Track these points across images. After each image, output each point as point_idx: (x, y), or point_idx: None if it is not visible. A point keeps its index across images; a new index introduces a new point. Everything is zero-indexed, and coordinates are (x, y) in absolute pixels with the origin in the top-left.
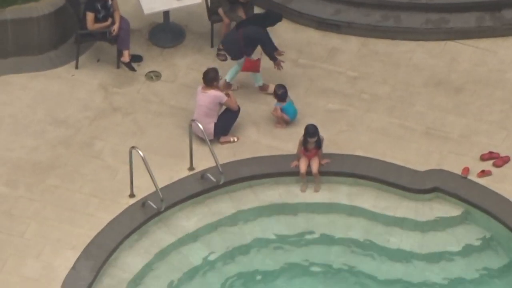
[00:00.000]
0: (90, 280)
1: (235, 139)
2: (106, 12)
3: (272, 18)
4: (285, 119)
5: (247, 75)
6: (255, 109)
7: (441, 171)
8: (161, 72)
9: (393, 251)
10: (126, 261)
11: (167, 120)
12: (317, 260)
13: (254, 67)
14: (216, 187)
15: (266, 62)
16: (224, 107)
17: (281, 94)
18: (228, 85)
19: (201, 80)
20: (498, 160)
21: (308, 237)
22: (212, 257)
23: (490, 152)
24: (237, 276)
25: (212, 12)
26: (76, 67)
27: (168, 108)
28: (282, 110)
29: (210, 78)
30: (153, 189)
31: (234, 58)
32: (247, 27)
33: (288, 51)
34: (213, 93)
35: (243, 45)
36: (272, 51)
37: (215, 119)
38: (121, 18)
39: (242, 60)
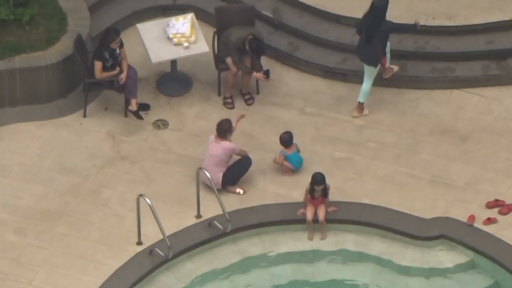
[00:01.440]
0: None
1: (241, 192)
2: (114, 61)
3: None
4: (289, 168)
5: (255, 122)
6: (262, 157)
7: (447, 219)
8: (169, 120)
9: None
10: None
11: (174, 168)
12: None
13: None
14: (223, 234)
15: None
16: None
17: (283, 138)
18: (360, 108)
19: (208, 128)
20: (504, 207)
21: (315, 284)
22: None
23: (496, 200)
24: None
25: (219, 61)
26: (84, 116)
27: (175, 156)
28: (285, 158)
29: (224, 130)
30: (160, 237)
31: (374, 64)
32: (373, 29)
33: (295, 99)
34: (226, 144)
35: (380, 49)
36: (408, 28)
37: (224, 169)
38: (129, 67)
39: (376, 69)
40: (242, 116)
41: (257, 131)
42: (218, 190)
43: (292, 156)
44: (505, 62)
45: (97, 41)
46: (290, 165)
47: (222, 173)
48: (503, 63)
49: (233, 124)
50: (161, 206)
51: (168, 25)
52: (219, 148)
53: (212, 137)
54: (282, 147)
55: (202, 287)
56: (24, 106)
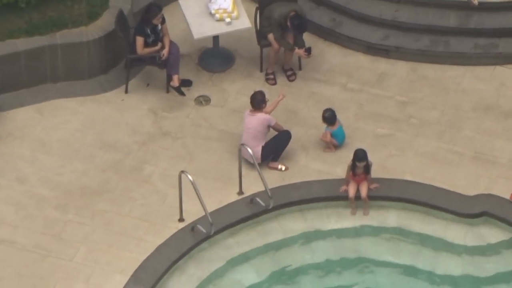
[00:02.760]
0: None
1: (283, 168)
2: (156, 36)
3: None
4: (334, 144)
5: (297, 98)
6: (304, 133)
7: (490, 196)
8: (211, 96)
9: (442, 276)
10: (176, 286)
11: (216, 144)
12: (366, 284)
13: None
14: (265, 211)
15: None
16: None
17: (327, 116)
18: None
19: (250, 105)
20: None
21: (357, 260)
22: (262, 281)
23: None
24: None
25: (261, 37)
26: (126, 92)
27: (217, 133)
28: (332, 135)
29: (258, 101)
30: (202, 213)
31: None
32: None
33: (337, 75)
34: (262, 116)
35: None
36: None
37: (262, 143)
38: (171, 42)
39: None
40: (283, 96)
41: (299, 107)
42: (259, 165)
43: (337, 131)
44: None
45: (138, 16)
46: (336, 141)
47: (261, 147)
48: None
49: (274, 104)
50: (203, 182)
51: (210, 1)
52: (255, 120)
53: (247, 111)
54: (325, 124)
55: (244, 264)
56: (65, 82)
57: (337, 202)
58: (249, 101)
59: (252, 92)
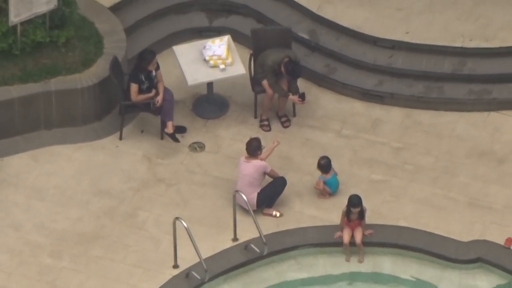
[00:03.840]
0: None
1: (278, 214)
2: (150, 83)
3: None
4: (328, 192)
5: (291, 144)
6: (299, 179)
7: (484, 242)
8: (205, 143)
9: None
10: None
11: (210, 191)
12: None
13: None
14: (260, 257)
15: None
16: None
17: (323, 164)
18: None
19: (245, 151)
20: None
21: None
22: None
23: None
24: None
25: (256, 83)
26: (120, 138)
27: (211, 179)
28: (325, 183)
29: (254, 148)
30: (197, 260)
31: None
32: None
33: (331, 122)
34: (257, 163)
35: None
36: None
37: (258, 189)
38: (165, 89)
39: None
40: (278, 143)
41: (293, 154)
42: (254, 211)
43: (330, 180)
44: None
45: (133, 63)
46: (329, 189)
47: (256, 194)
48: None
49: (269, 151)
50: (198, 229)
51: (204, 47)
52: (251, 167)
53: (243, 158)
54: (320, 172)
55: None
56: (60, 129)
57: (331, 248)
58: (243, 147)
59: (246, 139)
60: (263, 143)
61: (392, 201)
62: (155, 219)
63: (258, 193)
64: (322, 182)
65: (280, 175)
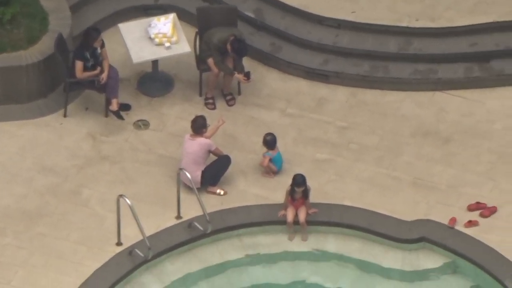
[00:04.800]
0: None
1: (222, 192)
2: (95, 60)
3: None
4: (273, 170)
5: (236, 123)
6: (243, 158)
7: (428, 221)
8: (150, 121)
9: None
10: None
11: (155, 168)
12: None
13: None
14: (203, 235)
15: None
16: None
17: (269, 140)
18: None
19: (189, 129)
20: (485, 210)
21: (295, 286)
22: None
23: (477, 203)
24: None
25: (201, 62)
26: (65, 116)
27: (156, 157)
28: (270, 160)
29: (199, 125)
30: (140, 238)
31: None
32: None
33: (277, 100)
34: (202, 140)
35: None
36: None
37: (202, 167)
38: (110, 67)
39: None
40: (223, 121)
41: (238, 132)
42: (198, 190)
43: (276, 157)
44: (488, 64)
45: (78, 40)
46: (275, 167)
47: (200, 172)
48: (485, 65)
49: (214, 129)
50: (141, 206)
51: (150, 25)
52: (195, 144)
53: (187, 135)
54: (265, 149)
55: None
56: (4, 106)
57: (275, 227)
58: (188, 125)
59: (191, 117)
60: (208, 121)
61: (337, 180)
62: (99, 196)
63: (203, 171)
64: (268, 159)
65: (225, 153)
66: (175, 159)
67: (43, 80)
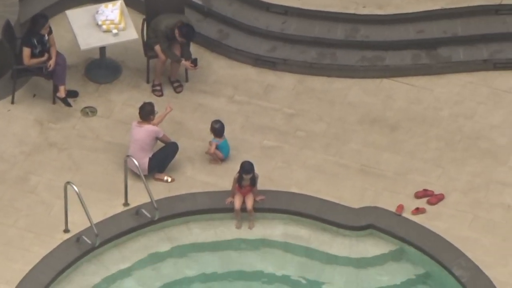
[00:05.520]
0: None
1: (169, 179)
2: (43, 47)
3: None
4: (219, 157)
5: (183, 109)
6: (190, 145)
7: (375, 209)
8: (97, 107)
9: None
10: None
11: (102, 155)
12: None
13: None
14: (151, 223)
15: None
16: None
17: (218, 128)
18: None
19: (137, 116)
20: (433, 197)
21: (242, 273)
22: None
23: (425, 190)
24: None
25: (148, 48)
26: (12, 102)
27: (103, 144)
28: (217, 147)
29: (146, 112)
30: (88, 225)
31: None
32: None
33: (224, 87)
34: (150, 127)
35: None
36: None
37: (150, 154)
38: (58, 53)
39: None
40: (171, 109)
41: (185, 119)
42: (146, 177)
43: (223, 144)
44: (435, 51)
45: (25, 27)
46: (221, 154)
47: (148, 159)
48: (433, 52)
49: (161, 117)
50: (89, 193)
51: (97, 12)
52: (143, 131)
53: (135, 122)
54: (212, 136)
55: (129, 276)
56: None
57: (223, 214)
58: (135, 112)
59: (138, 104)
60: (155, 108)
61: (284, 167)
62: (46, 183)
63: (150, 158)
64: (215, 145)
65: (172, 140)
66: (123, 146)
67: None
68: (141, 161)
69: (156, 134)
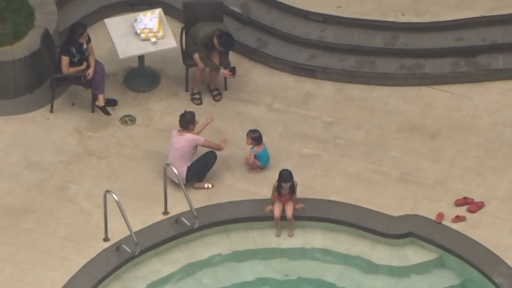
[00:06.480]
0: None
1: (210, 186)
2: (81, 56)
3: None
4: (258, 165)
5: (222, 118)
6: (230, 153)
7: (415, 217)
8: (136, 116)
9: None
10: None
11: (141, 164)
12: None
13: None
14: (190, 231)
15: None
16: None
17: (257, 136)
18: None
19: (176, 124)
20: (472, 205)
21: (282, 282)
22: None
23: (465, 198)
24: None
25: (187, 57)
26: (51, 111)
27: (142, 152)
28: (256, 157)
29: (187, 121)
30: (127, 233)
31: None
32: None
33: (263, 95)
34: (190, 136)
35: None
36: None
37: (188, 163)
38: (96, 62)
39: None
40: (211, 119)
41: (225, 127)
42: (185, 185)
43: (262, 153)
44: (474, 59)
45: (64, 36)
46: (260, 163)
47: (186, 167)
48: (472, 60)
49: (202, 127)
50: (128, 202)
51: (136, 20)
52: (183, 140)
53: (175, 131)
54: (252, 146)
55: (169, 284)
56: None
57: (262, 223)
58: (174, 120)
59: (177, 112)
60: (196, 118)
61: (323, 175)
62: (85, 192)
63: (188, 167)
64: (253, 156)
65: (217, 143)
66: (162, 154)
67: (29, 76)
68: (179, 169)
69: (197, 142)
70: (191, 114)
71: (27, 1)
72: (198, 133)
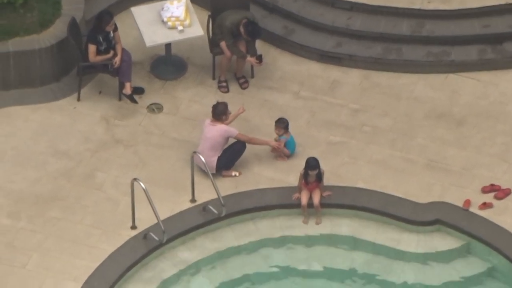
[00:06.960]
0: None
1: (237, 174)
2: (108, 44)
3: None
4: (286, 153)
5: (249, 106)
6: None
7: (442, 204)
8: (163, 104)
9: (395, 284)
10: None
11: (168, 152)
12: None
13: None
14: (218, 219)
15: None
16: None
17: (286, 126)
18: None
19: (203, 112)
20: (500, 192)
21: (310, 269)
22: None
23: (492, 185)
24: None
25: (214, 45)
26: (78, 99)
27: (169, 140)
28: (285, 144)
29: (219, 112)
30: (154, 221)
31: None
32: None
33: (290, 83)
34: (223, 127)
35: None
36: None
37: (219, 153)
38: (123, 50)
39: None
40: (243, 110)
41: (252, 115)
42: (213, 174)
43: (289, 140)
44: (501, 46)
45: (91, 24)
46: (288, 151)
47: (216, 157)
48: (498, 47)
49: (233, 117)
50: (156, 190)
51: (162, 9)
52: (214, 131)
53: (208, 120)
54: (280, 133)
55: (196, 272)
56: (18, 90)
57: (289, 210)
58: (201, 108)
59: (204, 100)
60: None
61: (350, 163)
62: (113, 180)
63: (219, 157)
64: (283, 143)
65: (250, 136)
66: (189, 143)
67: (56, 64)
68: (209, 159)
69: (229, 134)
70: (224, 105)
71: None
72: (229, 123)
